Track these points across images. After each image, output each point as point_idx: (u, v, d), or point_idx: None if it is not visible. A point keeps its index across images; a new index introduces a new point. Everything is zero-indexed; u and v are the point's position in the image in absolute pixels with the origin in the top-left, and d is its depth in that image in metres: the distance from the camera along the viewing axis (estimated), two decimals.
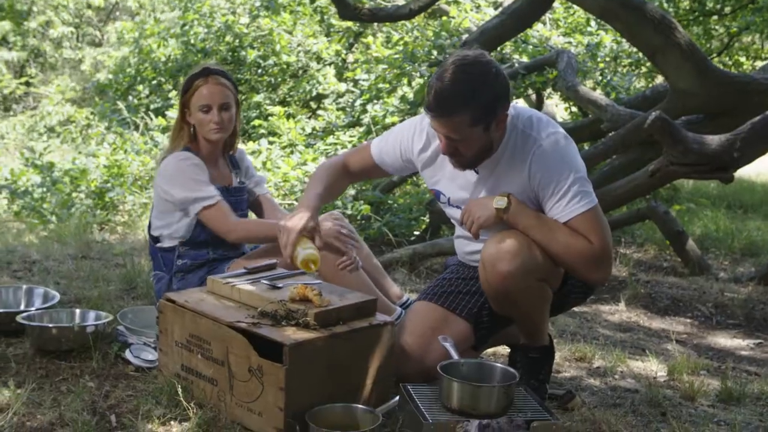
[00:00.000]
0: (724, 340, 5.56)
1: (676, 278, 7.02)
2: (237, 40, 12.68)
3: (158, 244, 4.00)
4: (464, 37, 9.17)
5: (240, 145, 4.28)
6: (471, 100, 2.94)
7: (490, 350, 4.09)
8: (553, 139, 3.12)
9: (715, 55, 12.66)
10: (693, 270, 7.26)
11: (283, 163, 9.10)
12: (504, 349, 4.04)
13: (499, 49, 9.89)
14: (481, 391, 2.78)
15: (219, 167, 4.07)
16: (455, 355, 3.01)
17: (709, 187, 12.68)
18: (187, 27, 13.20)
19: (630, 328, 5.58)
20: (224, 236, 3.89)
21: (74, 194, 8.90)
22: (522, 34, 9.95)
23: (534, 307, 3.24)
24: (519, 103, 11.18)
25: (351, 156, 3.66)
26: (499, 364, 3.04)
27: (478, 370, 2.97)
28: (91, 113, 13.19)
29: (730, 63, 13.38)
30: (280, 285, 3.30)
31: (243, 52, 12.55)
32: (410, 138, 3.40)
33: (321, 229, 3.68)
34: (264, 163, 9.28)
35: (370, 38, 11.28)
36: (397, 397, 2.96)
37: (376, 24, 12.65)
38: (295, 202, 8.37)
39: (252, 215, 4.29)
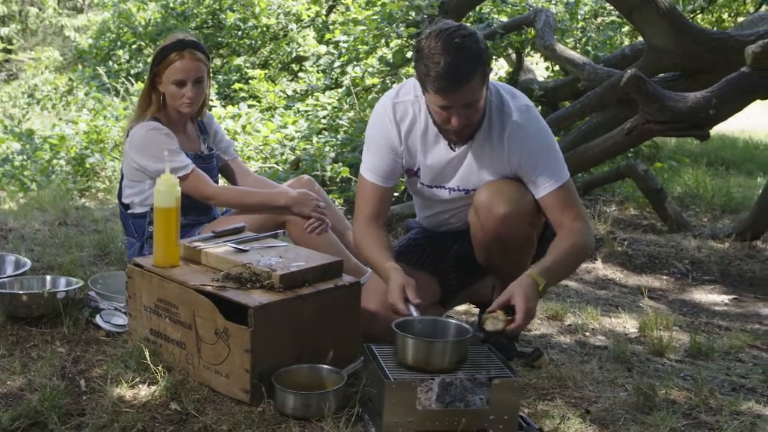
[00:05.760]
0: (699, 296, 5.59)
1: (654, 236, 7.03)
2: (216, 3, 12.60)
3: (129, 211, 4.01)
4: None
5: (215, 110, 4.27)
6: (478, 60, 2.98)
7: (461, 308, 4.13)
8: (526, 116, 3.19)
9: (699, 12, 12.59)
10: (671, 227, 7.27)
11: (263, 126, 9.08)
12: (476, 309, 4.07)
13: (477, 8, 9.87)
14: (433, 346, 2.80)
15: (188, 134, 4.07)
16: (415, 313, 3.04)
17: (692, 145, 12.68)
18: None
19: (605, 285, 5.61)
20: (208, 201, 3.92)
21: (54, 161, 8.87)
22: None
23: (522, 254, 3.30)
24: (498, 63, 11.19)
25: (362, 209, 3.43)
26: (453, 320, 3.05)
27: (433, 327, 2.98)
28: (69, 79, 13.11)
29: (713, 20, 13.33)
30: (246, 248, 3.32)
31: (222, 15, 12.47)
32: (390, 126, 3.30)
33: (289, 195, 3.74)
34: (244, 127, 9.26)
35: None
36: (362, 358, 2.98)
37: None
38: (275, 166, 8.36)
39: (222, 181, 4.31)
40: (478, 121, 3.15)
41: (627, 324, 4.41)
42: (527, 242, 3.25)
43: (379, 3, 9.91)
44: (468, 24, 9.98)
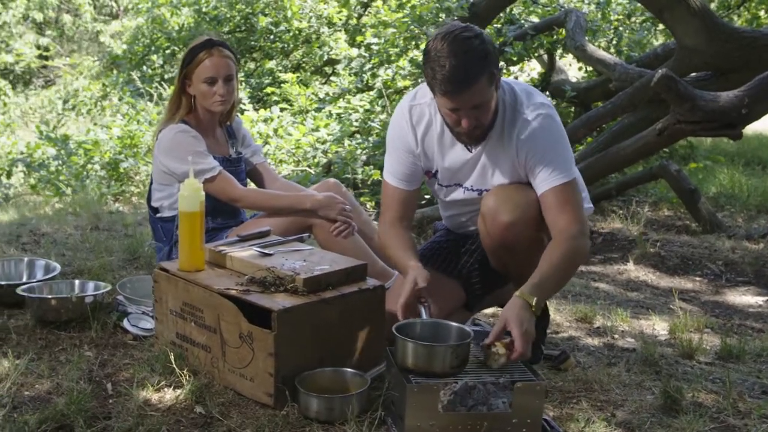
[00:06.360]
0: (732, 298, 5.54)
1: (687, 237, 6.98)
2: (249, 7, 12.65)
3: (158, 215, 4.04)
4: None
5: (247, 113, 4.29)
6: (485, 61, 2.96)
7: (489, 311, 4.11)
8: (539, 115, 3.15)
9: (734, 9, 12.41)
10: (705, 228, 7.21)
11: (295, 129, 9.11)
12: None
13: (507, 9, 9.83)
14: (433, 351, 2.78)
15: (216, 137, 4.09)
16: (426, 316, 3.04)
17: (728, 145, 12.52)
18: None
19: (637, 287, 5.57)
20: (234, 203, 3.94)
21: (89, 166, 8.96)
22: None
23: (532, 258, 3.22)
24: (531, 64, 11.15)
25: (387, 213, 3.43)
26: (455, 324, 3.01)
27: (434, 330, 2.97)
28: (103, 84, 13.23)
29: (749, 17, 13.12)
30: (270, 252, 3.33)
31: (255, 19, 12.52)
32: (407, 129, 3.31)
33: (315, 198, 3.77)
34: (276, 130, 9.29)
35: (379, 2, 11.20)
36: (387, 362, 2.98)
37: None
38: (308, 169, 8.39)
39: (251, 185, 4.33)
40: (489, 122, 3.13)
41: (657, 326, 4.37)
42: (536, 246, 3.18)
43: (409, 5, 9.91)
44: (497, 26, 10.00)
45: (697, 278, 5.99)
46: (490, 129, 3.16)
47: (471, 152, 3.23)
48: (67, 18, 19.84)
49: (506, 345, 2.84)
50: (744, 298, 5.56)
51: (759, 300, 5.49)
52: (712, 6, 11.24)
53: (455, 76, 2.92)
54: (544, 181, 3.13)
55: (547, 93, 10.17)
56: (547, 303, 3.63)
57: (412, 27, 9.45)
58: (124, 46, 14.09)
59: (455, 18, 8.80)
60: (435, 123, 3.25)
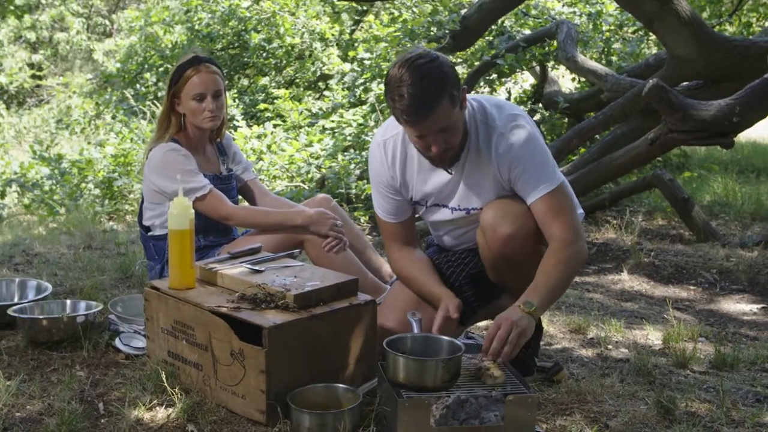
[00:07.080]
0: (727, 306, 5.53)
1: (681, 245, 6.97)
2: (241, 24, 12.68)
3: (150, 233, 4.04)
4: (463, 12, 9.15)
5: (240, 130, 4.28)
6: (443, 84, 2.97)
7: (483, 324, 4.10)
8: (513, 127, 3.16)
9: (726, 17, 12.42)
10: (699, 237, 7.21)
11: (288, 145, 9.11)
12: None
13: (499, 21, 9.85)
14: (424, 365, 2.80)
15: (207, 155, 4.09)
16: (417, 330, 3.06)
17: (722, 153, 12.54)
18: (191, 13, 13.20)
19: (631, 297, 5.56)
20: (225, 221, 3.94)
21: (82, 185, 8.95)
22: (523, 5, 9.91)
23: (532, 271, 3.23)
24: (524, 75, 11.18)
25: (391, 242, 3.50)
26: (446, 338, 3.03)
27: (425, 344, 2.99)
28: (96, 103, 13.24)
29: (741, 24, 13.13)
30: (261, 268, 3.32)
31: (247, 36, 12.55)
32: (384, 166, 3.35)
33: (306, 214, 3.77)
34: (269, 146, 9.29)
35: (371, 17, 11.24)
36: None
37: (380, 3, 12.63)
38: (302, 185, 8.39)
39: (243, 202, 4.32)
40: (460, 143, 3.13)
41: (651, 336, 4.37)
42: (535, 258, 3.17)
43: (401, 20, 9.94)
44: (488, 38, 10.02)
45: (692, 287, 5.99)
46: (463, 149, 3.17)
47: (451, 174, 3.24)
48: (61, 36, 19.86)
49: (500, 366, 2.85)
50: (738, 306, 5.55)
51: (753, 308, 5.49)
52: (704, 15, 11.26)
53: (414, 104, 2.93)
54: (531, 192, 3.14)
55: (540, 104, 10.19)
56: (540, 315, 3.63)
57: (404, 41, 9.48)
58: (118, 65, 14.11)
59: (447, 31, 8.83)
60: (410, 151, 3.27)
